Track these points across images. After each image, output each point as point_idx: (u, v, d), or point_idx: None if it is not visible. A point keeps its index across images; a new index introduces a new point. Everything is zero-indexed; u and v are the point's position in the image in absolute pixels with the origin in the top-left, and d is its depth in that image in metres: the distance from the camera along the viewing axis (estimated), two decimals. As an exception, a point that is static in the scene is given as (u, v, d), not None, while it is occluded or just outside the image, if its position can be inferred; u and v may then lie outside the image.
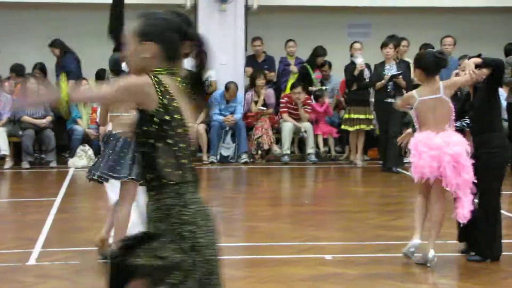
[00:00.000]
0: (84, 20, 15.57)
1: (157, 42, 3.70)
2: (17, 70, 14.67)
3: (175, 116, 3.69)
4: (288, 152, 14.55)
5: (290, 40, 15.33)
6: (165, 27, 3.76)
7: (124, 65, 7.57)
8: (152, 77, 3.67)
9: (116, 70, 7.70)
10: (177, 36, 3.76)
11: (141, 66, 3.74)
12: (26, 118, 13.93)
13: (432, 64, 7.33)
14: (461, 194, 7.21)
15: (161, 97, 3.64)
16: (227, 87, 14.56)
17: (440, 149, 7.23)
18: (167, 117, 3.66)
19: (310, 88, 14.92)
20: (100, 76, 14.22)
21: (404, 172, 13.20)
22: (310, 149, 14.49)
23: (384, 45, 13.81)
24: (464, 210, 7.17)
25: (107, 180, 7.34)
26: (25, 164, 13.81)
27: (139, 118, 3.67)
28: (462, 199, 7.19)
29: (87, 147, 14.01)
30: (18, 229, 9.34)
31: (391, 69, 13.58)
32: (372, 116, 13.94)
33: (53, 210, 9.96)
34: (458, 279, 7.41)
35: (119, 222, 7.41)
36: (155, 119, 3.62)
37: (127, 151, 7.34)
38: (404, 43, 14.44)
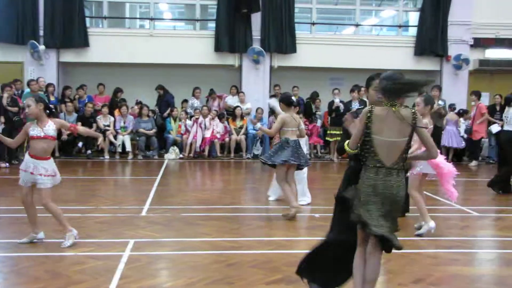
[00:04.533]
0: (173, 73, 15.70)
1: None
2: (139, 102, 14.83)
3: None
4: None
5: (295, 86, 15.33)
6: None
7: (294, 98, 7.80)
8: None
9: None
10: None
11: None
12: (141, 130, 14.06)
13: None
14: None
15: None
16: (256, 111, 14.69)
17: None
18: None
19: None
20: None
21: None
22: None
23: (351, 91, 13.82)
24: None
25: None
26: (139, 157, 13.93)
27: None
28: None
29: (175, 147, 14.13)
30: (135, 194, 9.35)
31: (355, 105, 13.57)
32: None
33: (155, 184, 10.08)
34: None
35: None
36: None
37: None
38: (363, 89, 14.36)
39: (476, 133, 14.05)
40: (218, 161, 13.82)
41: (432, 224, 6.55)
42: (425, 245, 6.33)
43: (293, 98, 7.86)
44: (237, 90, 15.48)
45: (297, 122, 7.69)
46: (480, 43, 15.91)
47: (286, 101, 7.70)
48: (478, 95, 13.93)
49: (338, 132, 13.80)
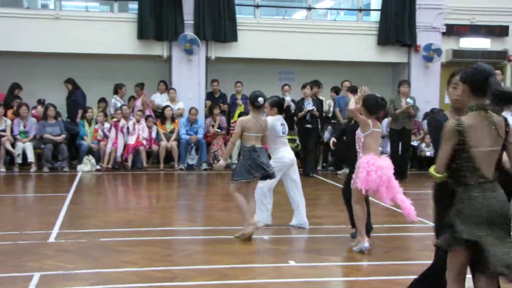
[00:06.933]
0: (87, 65, 15.47)
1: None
2: (42, 102, 14.60)
3: None
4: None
5: (238, 82, 15.41)
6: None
7: (261, 99, 7.64)
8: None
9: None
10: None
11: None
12: (47, 135, 13.76)
13: (374, 106, 6.92)
14: (400, 202, 6.86)
15: None
16: (190, 112, 14.61)
17: (382, 170, 6.75)
18: None
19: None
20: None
21: (318, 177, 13.33)
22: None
23: (303, 87, 13.95)
24: (410, 210, 6.82)
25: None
26: (45, 169, 13.62)
27: None
28: (404, 204, 6.84)
29: (90, 156, 13.92)
30: (41, 216, 9.19)
31: (308, 104, 13.71)
32: (295, 137, 14.03)
33: (66, 202, 9.92)
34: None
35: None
36: None
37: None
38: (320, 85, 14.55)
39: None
40: (145, 173, 13.70)
41: (366, 244, 6.97)
42: (398, 270, 6.47)
43: (260, 98, 7.81)
44: (167, 87, 15.38)
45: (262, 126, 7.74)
46: (453, 31, 16.48)
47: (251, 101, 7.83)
48: (355, 91, 13.87)
49: (288, 137, 13.79)
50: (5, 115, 13.96)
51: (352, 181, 6.98)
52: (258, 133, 7.65)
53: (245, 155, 7.59)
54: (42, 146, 13.76)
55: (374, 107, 6.93)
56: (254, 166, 7.50)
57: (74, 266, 6.33)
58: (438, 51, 16.15)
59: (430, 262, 6.63)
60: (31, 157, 13.59)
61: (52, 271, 6.11)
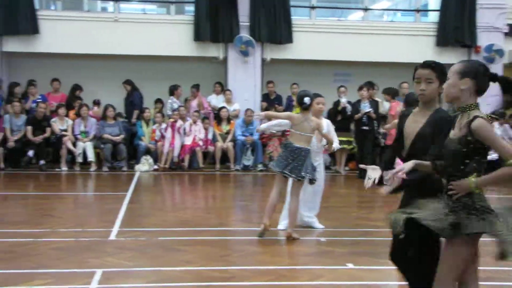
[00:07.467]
0: (144, 67, 15.66)
1: (472, 79, 3.84)
2: (98, 102, 14.87)
3: None
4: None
5: (294, 83, 15.37)
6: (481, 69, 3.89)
7: (307, 99, 7.77)
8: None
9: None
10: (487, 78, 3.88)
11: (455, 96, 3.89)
12: (106, 135, 14.01)
13: (414, 103, 6.64)
14: None
15: None
16: (245, 113, 14.68)
17: None
18: None
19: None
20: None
21: (374, 179, 13.14)
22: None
23: (360, 88, 13.83)
24: None
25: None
26: (104, 168, 13.87)
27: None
28: None
29: (148, 156, 14.10)
30: (101, 214, 9.37)
31: (365, 106, 13.57)
32: (352, 139, 13.92)
33: (125, 201, 10.06)
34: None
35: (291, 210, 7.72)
36: None
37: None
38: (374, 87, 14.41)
39: (390, 137, 13.12)
40: (201, 174, 13.79)
41: None
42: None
43: (306, 98, 7.82)
44: (222, 88, 15.47)
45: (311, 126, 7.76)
46: (516, 31, 16.08)
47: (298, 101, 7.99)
48: (391, 93, 13.64)
49: (344, 139, 13.76)
50: (67, 115, 14.28)
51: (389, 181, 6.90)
52: (302, 132, 7.73)
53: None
54: (102, 145, 13.99)
55: (414, 104, 6.87)
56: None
57: (133, 264, 6.42)
58: (500, 52, 15.77)
59: (488, 268, 6.52)
60: (91, 157, 13.84)
61: (113, 268, 6.20)
